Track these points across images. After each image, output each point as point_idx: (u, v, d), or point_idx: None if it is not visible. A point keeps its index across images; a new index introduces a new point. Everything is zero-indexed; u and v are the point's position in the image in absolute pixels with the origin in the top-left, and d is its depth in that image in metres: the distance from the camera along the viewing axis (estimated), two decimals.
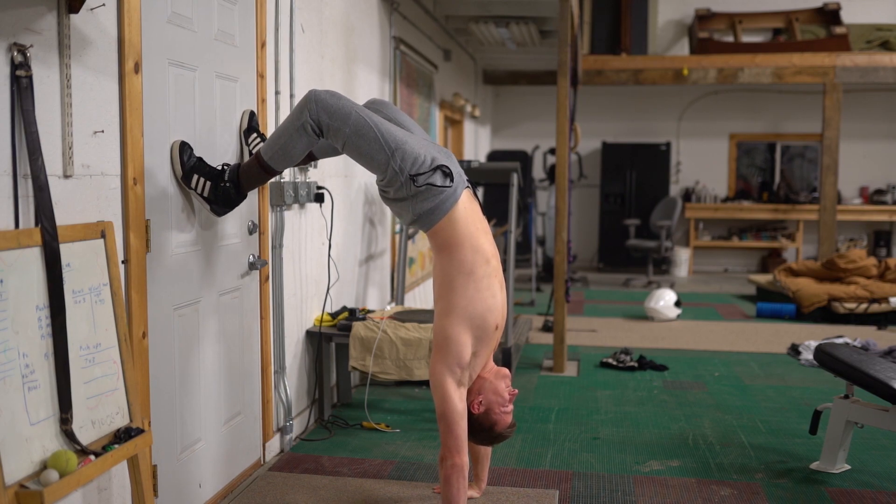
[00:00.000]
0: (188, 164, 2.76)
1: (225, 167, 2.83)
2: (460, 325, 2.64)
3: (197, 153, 2.90)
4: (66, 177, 2.19)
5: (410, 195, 2.67)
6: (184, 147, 2.76)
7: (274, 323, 3.62)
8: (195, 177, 2.77)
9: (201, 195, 2.80)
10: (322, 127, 2.65)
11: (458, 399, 2.63)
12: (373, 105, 2.94)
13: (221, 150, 3.10)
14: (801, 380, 5.13)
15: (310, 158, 3.08)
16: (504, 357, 4.74)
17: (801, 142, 11.07)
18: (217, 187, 2.79)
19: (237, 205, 2.88)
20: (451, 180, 2.67)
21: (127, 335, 2.30)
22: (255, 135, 3.15)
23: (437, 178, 2.66)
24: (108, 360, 2.22)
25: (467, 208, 2.71)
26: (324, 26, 4.16)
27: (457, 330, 2.64)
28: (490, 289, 2.67)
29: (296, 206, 3.83)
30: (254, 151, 2.97)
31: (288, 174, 3.72)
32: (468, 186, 2.77)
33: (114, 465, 2.15)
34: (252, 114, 3.19)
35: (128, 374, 2.28)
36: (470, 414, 2.76)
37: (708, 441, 3.89)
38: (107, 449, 2.13)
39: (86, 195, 2.27)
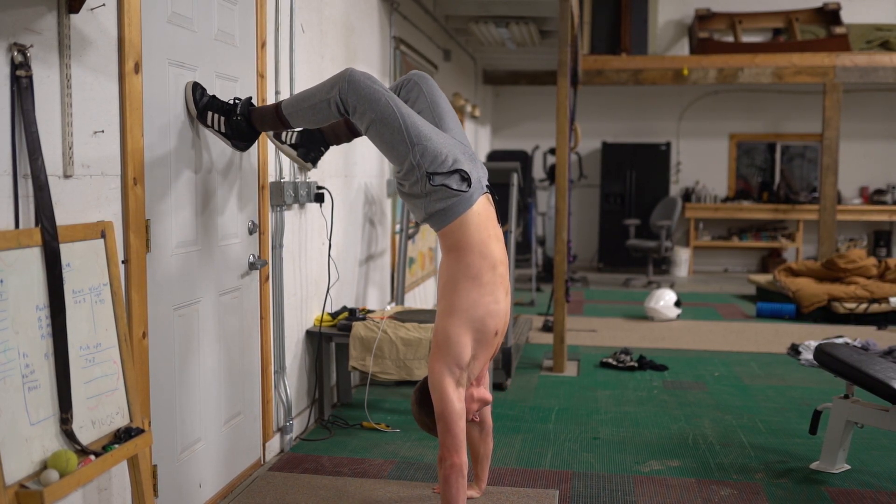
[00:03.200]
0: (201, 102, 2.76)
1: (236, 101, 2.82)
2: (461, 327, 2.63)
3: (198, 154, 2.91)
4: (66, 177, 2.19)
5: (425, 192, 2.65)
6: (196, 86, 2.76)
7: (274, 323, 3.62)
8: (209, 114, 2.78)
9: (218, 131, 2.80)
10: (348, 107, 2.64)
11: (456, 399, 2.63)
12: (411, 82, 2.86)
13: (221, 150, 3.10)
14: (801, 380, 5.13)
15: (351, 135, 2.99)
16: (504, 357, 4.74)
17: (801, 142, 11.07)
18: (230, 121, 2.80)
19: (254, 140, 2.86)
20: (468, 185, 2.65)
21: (127, 335, 2.30)
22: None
23: (454, 181, 2.64)
24: (108, 360, 2.22)
25: (481, 214, 2.68)
26: (324, 26, 4.16)
27: (457, 331, 2.63)
28: (493, 294, 2.66)
29: (296, 206, 3.83)
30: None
31: (288, 174, 3.72)
32: (486, 192, 2.74)
33: (114, 465, 2.15)
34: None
35: (128, 374, 2.28)
36: (430, 402, 2.79)
37: (708, 441, 3.89)
38: (107, 449, 2.13)
39: (86, 195, 2.27)
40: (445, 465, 2.62)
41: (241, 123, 2.81)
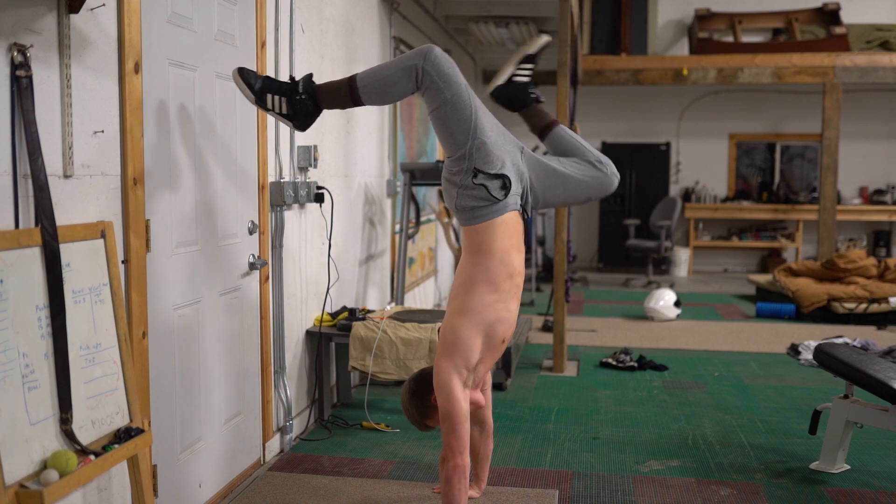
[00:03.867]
0: (257, 87, 2.68)
1: (293, 79, 2.74)
2: (472, 328, 2.62)
3: (198, 154, 2.91)
4: (66, 177, 2.19)
5: (463, 185, 2.64)
6: (244, 71, 2.68)
7: (274, 323, 3.62)
8: (268, 96, 2.70)
9: (279, 113, 2.72)
10: (426, 81, 2.58)
11: (463, 400, 2.62)
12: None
13: (221, 150, 3.10)
14: (800, 380, 5.13)
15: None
16: (504, 357, 4.74)
17: (800, 142, 11.07)
18: (293, 101, 2.70)
19: (315, 117, 2.78)
20: (505, 195, 2.64)
21: (127, 335, 2.30)
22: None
23: (494, 186, 2.62)
24: (108, 360, 2.22)
25: (509, 224, 2.66)
26: (324, 26, 4.16)
27: (468, 332, 2.62)
28: (506, 302, 2.66)
29: (296, 206, 3.83)
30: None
31: (288, 174, 3.72)
32: (519, 210, 2.72)
33: (114, 465, 2.15)
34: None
35: (128, 374, 2.28)
36: (424, 395, 2.79)
37: (708, 441, 3.89)
38: (107, 449, 2.13)
39: (86, 195, 2.27)
40: (448, 466, 2.61)
41: (306, 102, 2.70)
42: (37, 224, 2.02)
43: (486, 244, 2.64)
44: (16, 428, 1.88)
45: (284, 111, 2.72)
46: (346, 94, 2.68)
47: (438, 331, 2.80)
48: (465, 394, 2.63)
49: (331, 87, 2.72)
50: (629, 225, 9.86)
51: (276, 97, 2.70)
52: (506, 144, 2.70)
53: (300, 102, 2.70)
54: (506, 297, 2.65)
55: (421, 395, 2.82)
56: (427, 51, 2.58)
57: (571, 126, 6.03)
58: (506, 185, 2.63)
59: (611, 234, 10.75)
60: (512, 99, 2.97)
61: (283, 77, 3.65)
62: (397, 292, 5.29)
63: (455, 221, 7.60)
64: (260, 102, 2.70)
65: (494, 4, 6.57)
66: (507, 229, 2.66)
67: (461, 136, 2.61)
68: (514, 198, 2.68)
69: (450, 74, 2.58)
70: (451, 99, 2.59)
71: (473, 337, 2.62)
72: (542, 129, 2.92)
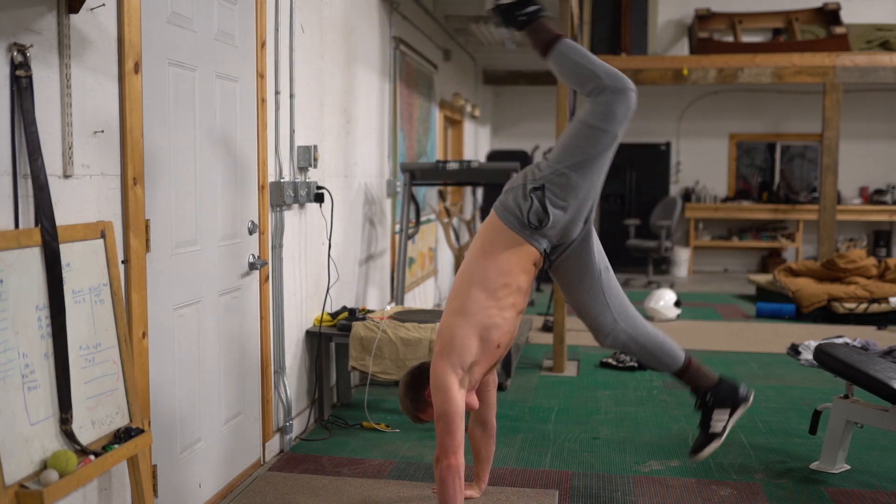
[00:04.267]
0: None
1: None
2: (468, 328, 2.63)
3: (198, 154, 2.91)
4: (66, 177, 2.19)
5: (525, 186, 2.69)
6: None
7: (274, 323, 3.62)
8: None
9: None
10: (598, 98, 2.65)
11: (460, 399, 2.62)
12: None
13: (221, 150, 3.10)
14: (801, 380, 5.13)
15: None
16: (504, 357, 4.73)
17: (801, 142, 11.06)
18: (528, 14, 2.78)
19: (516, 22, 2.80)
20: (531, 230, 2.67)
21: (127, 335, 2.30)
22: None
23: (533, 214, 2.66)
24: (108, 360, 2.22)
25: (531, 255, 2.70)
26: (324, 26, 4.16)
27: (463, 332, 2.63)
28: (503, 311, 2.66)
29: (296, 206, 3.83)
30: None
31: (288, 174, 3.72)
32: (542, 254, 2.73)
33: (114, 465, 2.15)
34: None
35: (128, 374, 2.28)
36: (419, 389, 2.79)
37: None
38: (107, 449, 2.13)
39: (86, 195, 2.27)
40: (442, 466, 2.60)
41: (523, 16, 2.76)
42: (37, 224, 2.02)
43: (497, 247, 2.66)
44: (16, 428, 1.88)
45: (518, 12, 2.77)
46: (550, 39, 2.75)
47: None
48: (461, 394, 2.63)
49: (546, 26, 2.78)
50: (629, 225, 9.85)
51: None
52: (593, 193, 2.74)
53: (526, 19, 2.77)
54: (504, 307, 2.66)
55: (416, 389, 2.82)
56: (626, 86, 2.68)
57: None
58: (541, 225, 2.66)
59: (611, 234, 10.74)
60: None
61: (283, 77, 3.65)
62: (397, 292, 5.29)
63: (455, 221, 7.60)
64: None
65: None
66: (526, 255, 2.68)
67: (569, 158, 2.67)
68: (541, 241, 2.70)
69: (617, 116, 2.67)
70: (599, 128, 2.67)
71: (469, 337, 2.62)
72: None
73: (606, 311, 2.87)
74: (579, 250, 2.81)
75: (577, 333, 6.50)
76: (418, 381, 2.83)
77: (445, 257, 7.68)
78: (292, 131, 3.73)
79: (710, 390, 2.96)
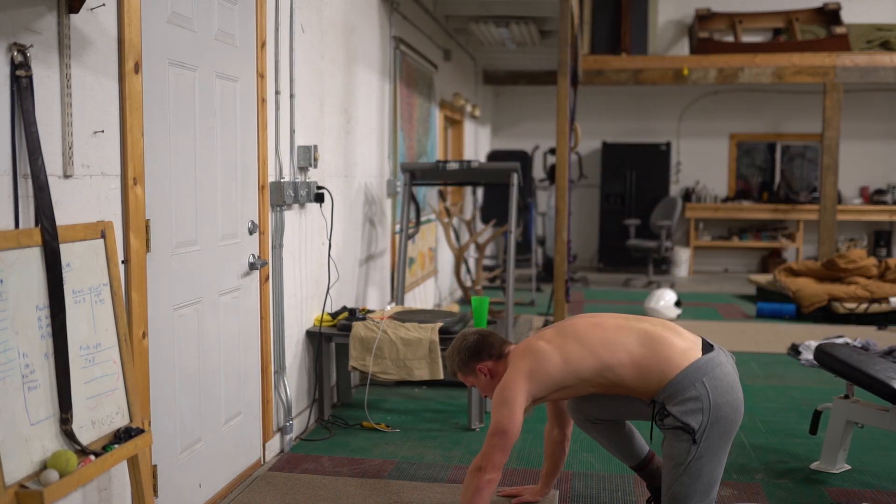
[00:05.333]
0: None
1: None
2: (560, 375, 2.65)
3: (198, 154, 2.91)
4: (66, 177, 2.19)
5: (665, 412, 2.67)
6: None
7: (274, 323, 3.62)
8: None
9: None
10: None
11: (520, 421, 2.62)
12: None
13: (221, 150, 3.10)
14: (801, 380, 5.13)
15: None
16: None
17: (801, 142, 11.06)
18: None
19: None
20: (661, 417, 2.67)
21: (127, 335, 2.30)
22: None
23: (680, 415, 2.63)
24: (108, 360, 2.22)
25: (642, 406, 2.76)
26: (324, 26, 4.16)
27: (555, 375, 2.65)
28: (587, 392, 2.71)
29: (296, 206, 3.83)
30: None
31: (288, 174, 3.72)
32: (654, 418, 2.73)
33: (114, 465, 2.15)
34: None
35: (128, 374, 2.28)
36: (475, 357, 2.80)
37: None
38: (107, 449, 2.13)
39: (86, 195, 2.27)
40: (483, 479, 2.59)
41: None
42: (37, 224, 2.02)
43: (653, 373, 2.63)
44: (16, 428, 1.88)
45: None
46: None
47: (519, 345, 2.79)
48: (522, 416, 2.63)
49: None
50: (629, 225, 9.85)
51: None
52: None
53: None
54: (594, 388, 2.70)
55: (472, 356, 2.82)
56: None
57: (571, 126, 6.03)
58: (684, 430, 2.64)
59: (611, 234, 10.75)
60: None
61: (283, 77, 3.64)
62: (397, 292, 5.29)
63: (455, 221, 7.60)
64: None
65: (494, 4, 6.57)
66: (653, 390, 2.65)
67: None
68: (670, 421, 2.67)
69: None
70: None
71: (555, 382, 2.65)
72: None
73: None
74: (675, 442, 2.73)
75: None
76: (476, 351, 2.82)
77: (445, 257, 7.68)
78: (292, 131, 3.73)
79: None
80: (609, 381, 2.67)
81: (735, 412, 2.62)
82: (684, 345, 2.66)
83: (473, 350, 2.83)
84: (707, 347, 2.68)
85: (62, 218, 2.15)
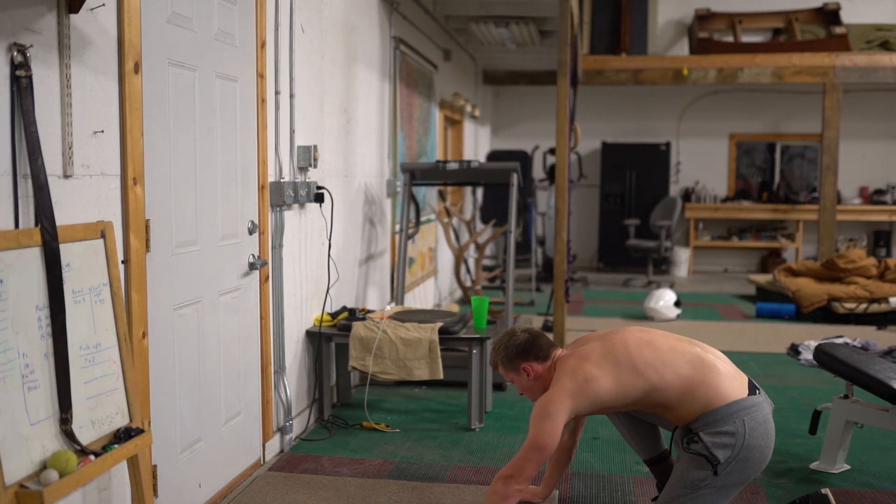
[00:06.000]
0: None
1: None
2: (609, 396, 2.63)
3: (198, 154, 2.91)
4: (66, 177, 2.19)
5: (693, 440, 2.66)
6: None
7: (274, 323, 3.62)
8: None
9: None
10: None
11: (559, 436, 2.62)
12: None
13: (221, 150, 3.10)
14: (800, 380, 5.13)
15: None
16: None
17: (800, 142, 11.06)
18: None
19: None
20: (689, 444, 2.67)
21: (127, 335, 2.30)
22: None
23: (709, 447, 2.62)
24: (108, 360, 2.22)
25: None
26: (324, 26, 4.16)
27: (604, 396, 2.63)
28: (629, 404, 2.69)
29: (296, 206, 3.83)
30: None
31: (288, 174, 3.72)
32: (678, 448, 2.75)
33: (114, 465, 2.15)
34: None
35: (128, 374, 2.28)
36: (522, 356, 2.79)
37: None
38: (107, 449, 2.13)
39: (86, 195, 2.27)
40: (511, 488, 2.60)
41: None
42: (37, 224, 2.02)
43: (698, 402, 2.63)
44: (16, 428, 1.88)
45: None
46: None
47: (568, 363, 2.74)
48: (561, 433, 2.63)
49: None
50: (629, 225, 9.85)
51: None
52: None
53: None
54: (636, 405, 2.70)
55: (516, 354, 2.80)
56: None
57: (571, 126, 6.03)
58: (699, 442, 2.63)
59: (611, 234, 10.74)
60: None
61: (283, 77, 3.64)
62: (397, 292, 5.28)
63: (455, 221, 7.60)
64: None
65: (494, 4, 6.57)
66: (691, 417, 2.65)
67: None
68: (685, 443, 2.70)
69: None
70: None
71: (602, 404, 2.64)
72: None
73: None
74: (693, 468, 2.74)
75: (577, 333, 6.50)
76: (523, 350, 2.80)
77: (445, 257, 7.68)
78: (292, 131, 3.73)
79: None
80: (654, 401, 2.66)
81: (762, 459, 2.63)
82: (734, 378, 2.67)
83: (522, 348, 2.81)
84: (752, 388, 2.69)
85: (62, 218, 2.15)
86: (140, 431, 2.25)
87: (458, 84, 8.43)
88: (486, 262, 9.60)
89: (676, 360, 2.66)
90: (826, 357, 3.49)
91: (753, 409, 2.61)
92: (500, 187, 5.93)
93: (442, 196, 6.85)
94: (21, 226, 2.01)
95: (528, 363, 2.79)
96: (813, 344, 5.68)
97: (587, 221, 11.25)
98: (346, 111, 4.55)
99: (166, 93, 2.69)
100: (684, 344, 2.73)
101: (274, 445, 3.63)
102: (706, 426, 2.60)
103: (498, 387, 4.75)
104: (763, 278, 8.52)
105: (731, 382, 2.65)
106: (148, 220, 2.57)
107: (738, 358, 5.71)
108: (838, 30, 9.48)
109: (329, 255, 4.12)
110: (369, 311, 4.37)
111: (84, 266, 2.17)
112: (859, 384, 3.34)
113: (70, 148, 2.18)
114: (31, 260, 1.98)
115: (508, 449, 3.72)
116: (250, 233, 3.35)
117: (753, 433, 2.59)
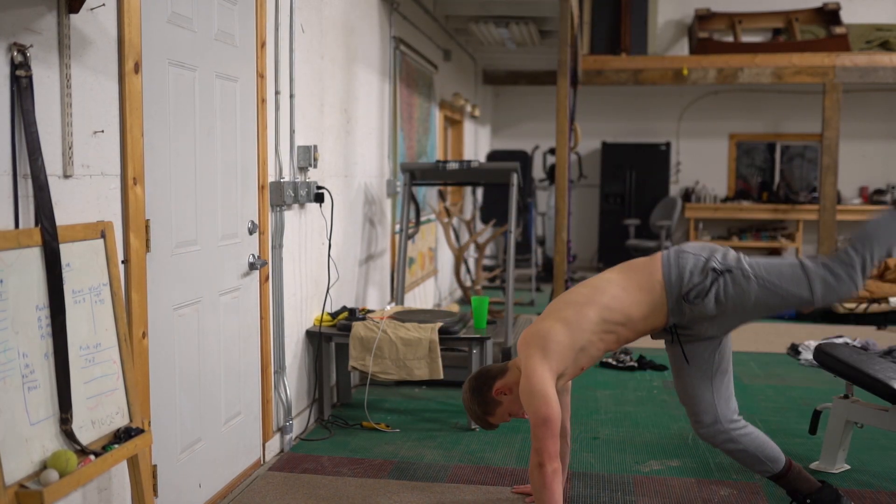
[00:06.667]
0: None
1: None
2: (569, 341, 2.65)
3: (198, 154, 2.91)
4: (66, 177, 2.19)
5: (709, 260, 2.71)
6: None
7: (274, 323, 3.62)
8: None
9: None
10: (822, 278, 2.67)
11: (556, 400, 2.61)
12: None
13: (221, 150, 3.10)
14: (800, 380, 5.13)
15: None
16: (504, 356, 4.74)
17: (800, 142, 11.06)
18: None
19: None
20: (686, 303, 2.70)
21: (127, 335, 2.30)
22: None
23: (699, 291, 2.68)
24: (108, 360, 2.22)
25: (657, 322, 2.75)
26: (324, 26, 4.16)
27: (566, 342, 2.65)
28: (600, 345, 2.71)
29: (296, 206, 3.83)
30: None
31: (288, 174, 3.72)
32: (668, 330, 2.81)
33: (114, 465, 2.15)
34: None
35: (128, 374, 2.28)
36: (485, 390, 2.79)
37: None
38: (107, 449, 2.13)
39: (86, 195, 2.27)
40: (547, 472, 2.57)
41: None
42: (37, 224, 2.02)
43: (637, 292, 2.70)
44: (16, 428, 1.88)
45: None
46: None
47: (518, 342, 2.79)
48: (555, 396, 2.63)
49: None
50: (629, 225, 9.85)
51: None
52: (730, 320, 2.78)
53: None
54: (603, 339, 2.71)
55: (482, 391, 2.80)
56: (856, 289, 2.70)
57: (571, 126, 6.03)
58: (691, 302, 2.68)
59: (611, 234, 10.74)
60: None
61: (283, 77, 3.64)
62: (397, 292, 5.28)
63: (455, 221, 7.60)
64: None
65: (494, 4, 6.57)
66: (654, 312, 2.72)
67: (767, 275, 2.70)
68: (675, 316, 2.73)
69: (829, 299, 2.70)
70: (811, 288, 2.68)
71: (567, 349, 2.65)
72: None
73: (711, 410, 2.88)
74: (704, 348, 2.83)
75: None
76: (481, 382, 2.82)
77: (445, 257, 7.68)
78: (292, 131, 3.73)
79: (812, 496, 2.94)
80: (616, 321, 2.69)
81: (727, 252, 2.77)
82: (649, 259, 2.81)
83: (477, 387, 2.82)
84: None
85: (62, 218, 2.15)
86: (140, 431, 2.25)
87: (458, 84, 8.43)
88: (486, 262, 9.60)
89: (607, 278, 2.79)
90: (826, 357, 3.49)
91: (674, 249, 2.78)
92: (500, 187, 5.93)
93: (442, 196, 6.85)
94: (21, 226, 2.01)
95: (496, 385, 2.79)
96: (813, 344, 5.68)
97: (587, 221, 11.25)
98: (346, 111, 4.56)
99: (166, 93, 2.69)
100: (605, 272, 2.86)
101: (274, 445, 3.63)
102: (677, 285, 2.69)
103: None
104: None
105: (651, 258, 2.79)
106: (148, 220, 2.57)
107: (737, 358, 5.72)
108: (838, 30, 9.48)
109: (329, 254, 4.12)
110: (369, 311, 4.37)
111: (84, 266, 2.17)
112: (859, 384, 3.34)
113: (70, 148, 2.18)
114: (32, 260, 1.98)
115: (508, 448, 3.72)
116: (250, 233, 3.35)
117: (688, 247, 2.78)
